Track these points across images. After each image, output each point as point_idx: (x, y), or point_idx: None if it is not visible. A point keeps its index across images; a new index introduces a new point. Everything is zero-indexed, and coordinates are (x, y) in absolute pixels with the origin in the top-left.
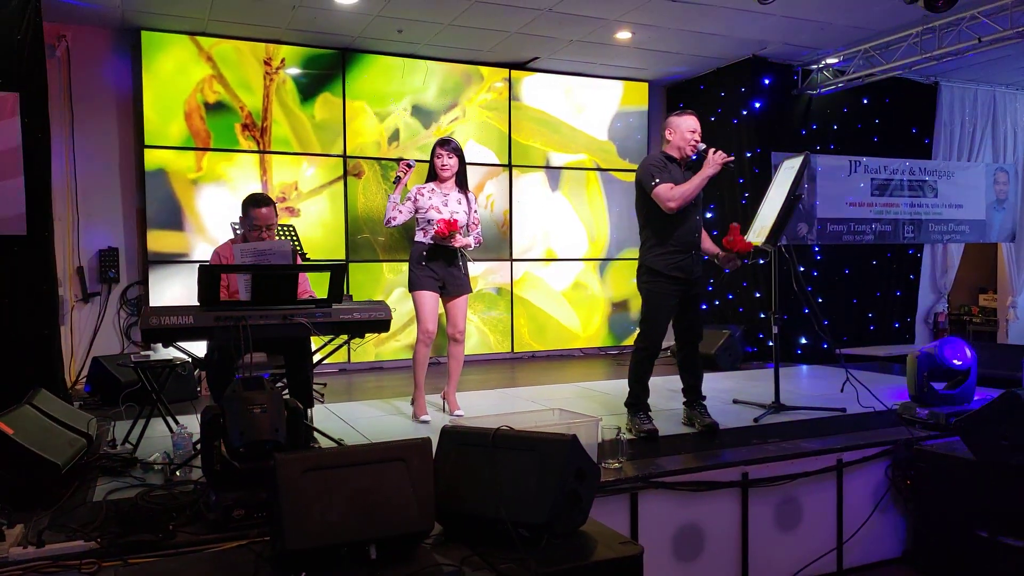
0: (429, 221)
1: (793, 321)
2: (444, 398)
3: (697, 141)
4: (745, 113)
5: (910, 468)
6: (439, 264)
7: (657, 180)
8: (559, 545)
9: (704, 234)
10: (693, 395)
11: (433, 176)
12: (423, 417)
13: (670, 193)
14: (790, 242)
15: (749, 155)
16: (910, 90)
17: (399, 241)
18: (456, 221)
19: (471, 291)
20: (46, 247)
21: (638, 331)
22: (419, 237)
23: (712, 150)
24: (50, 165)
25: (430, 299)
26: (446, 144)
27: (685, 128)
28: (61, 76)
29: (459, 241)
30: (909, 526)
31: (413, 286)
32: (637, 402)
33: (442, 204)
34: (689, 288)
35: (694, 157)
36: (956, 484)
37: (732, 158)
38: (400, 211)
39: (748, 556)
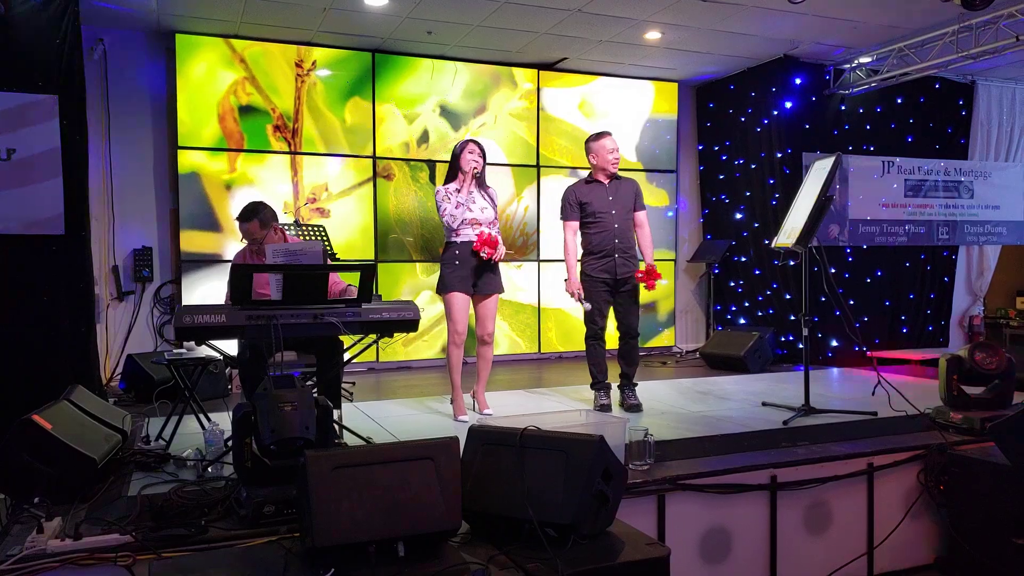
0: (463, 220)
1: (824, 323)
2: (474, 397)
3: (616, 159)
4: (776, 113)
5: (943, 473)
6: (472, 263)
7: (562, 217)
8: (586, 546)
9: (645, 242)
10: (625, 380)
11: (454, 175)
12: (462, 417)
13: (565, 234)
14: (821, 243)
15: (780, 156)
16: (946, 89)
17: (429, 242)
18: (497, 241)
19: (503, 291)
20: (83, 246)
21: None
22: (452, 238)
23: (576, 289)
24: (87, 166)
25: (461, 301)
26: (475, 143)
27: (607, 150)
28: (98, 79)
29: (500, 253)
30: (942, 532)
31: (444, 288)
32: (595, 381)
33: (471, 203)
34: (616, 286)
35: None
36: (991, 490)
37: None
38: (455, 215)
39: (776, 560)
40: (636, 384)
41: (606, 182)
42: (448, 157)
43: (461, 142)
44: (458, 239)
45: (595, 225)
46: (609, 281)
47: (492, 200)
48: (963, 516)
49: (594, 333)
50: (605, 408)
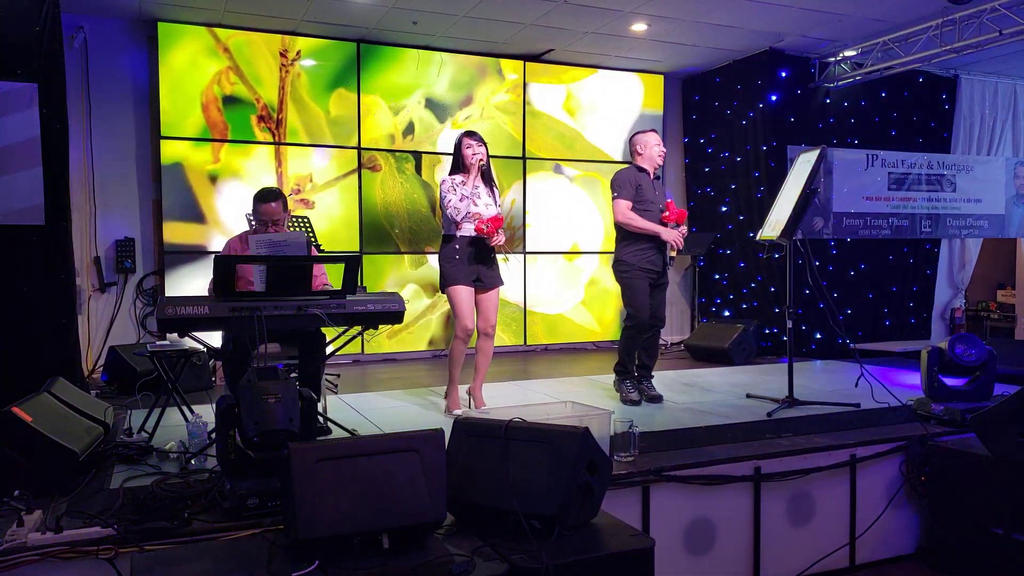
0: (467, 214)
1: (808, 316)
2: (470, 394)
3: (663, 153)
4: (761, 106)
5: (924, 464)
6: (475, 257)
7: (615, 194)
8: (571, 537)
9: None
10: (644, 372)
11: (458, 168)
12: (456, 411)
13: (622, 209)
14: (805, 236)
15: (765, 148)
16: (929, 83)
17: (416, 233)
18: (500, 218)
19: (503, 284)
20: (64, 237)
21: (626, 314)
22: (452, 231)
23: (677, 235)
24: (68, 156)
25: (467, 295)
26: (474, 135)
27: (654, 143)
28: (79, 67)
29: (501, 237)
30: (923, 522)
31: (448, 282)
32: (625, 371)
33: (476, 196)
34: (657, 278)
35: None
36: (971, 481)
37: (677, 251)
38: (459, 208)
39: (760, 550)
40: (653, 376)
41: (651, 175)
42: (433, 148)
43: (460, 133)
44: (459, 232)
45: (644, 214)
46: (652, 272)
47: (495, 198)
48: (944, 506)
49: (639, 323)
50: (635, 403)
